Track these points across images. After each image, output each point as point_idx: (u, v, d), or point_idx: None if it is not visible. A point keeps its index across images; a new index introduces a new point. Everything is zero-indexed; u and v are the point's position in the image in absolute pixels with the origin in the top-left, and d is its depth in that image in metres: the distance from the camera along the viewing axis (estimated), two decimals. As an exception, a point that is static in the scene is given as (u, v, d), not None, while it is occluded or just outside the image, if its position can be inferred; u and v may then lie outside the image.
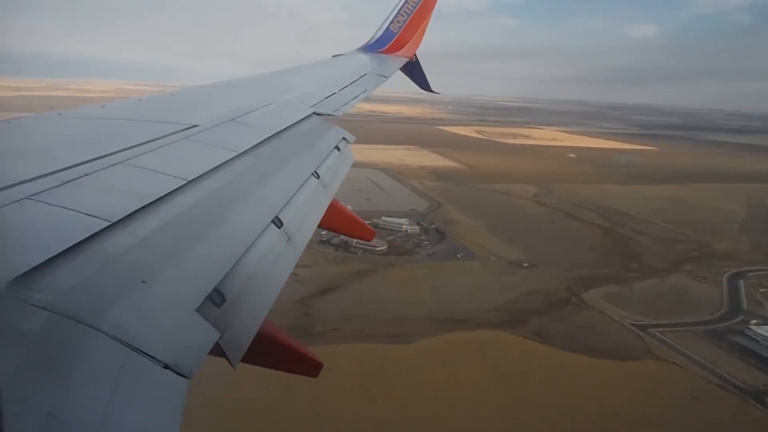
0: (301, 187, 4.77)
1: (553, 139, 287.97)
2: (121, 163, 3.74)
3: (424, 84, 15.81)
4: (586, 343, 65.59)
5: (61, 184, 3.13)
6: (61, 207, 2.84)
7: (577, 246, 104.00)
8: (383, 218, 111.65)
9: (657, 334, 68.62)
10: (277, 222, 3.90)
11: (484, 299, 78.32)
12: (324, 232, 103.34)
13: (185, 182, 3.64)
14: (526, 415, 50.50)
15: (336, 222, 5.97)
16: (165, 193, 3.38)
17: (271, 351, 3.82)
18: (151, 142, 4.32)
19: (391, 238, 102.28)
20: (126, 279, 2.52)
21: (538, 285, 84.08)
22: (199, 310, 2.62)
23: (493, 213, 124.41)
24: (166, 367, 2.20)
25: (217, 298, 2.80)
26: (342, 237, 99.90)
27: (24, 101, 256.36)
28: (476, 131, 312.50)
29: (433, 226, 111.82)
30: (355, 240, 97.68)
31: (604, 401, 52.54)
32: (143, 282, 2.55)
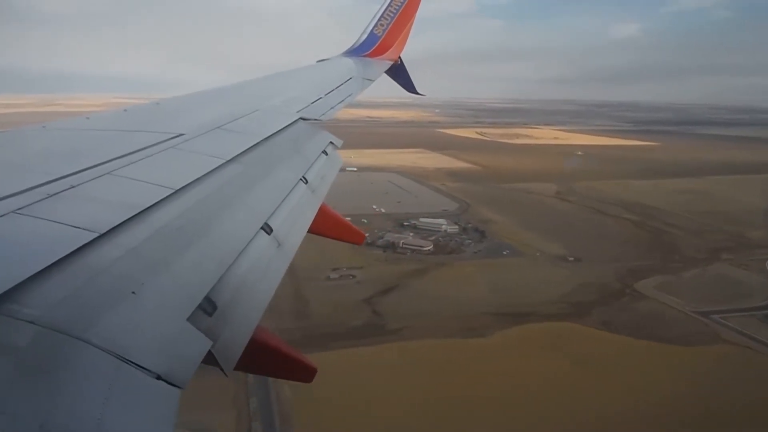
0: (289, 192, 4.77)
1: (555, 138, 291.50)
2: (107, 174, 3.72)
3: (409, 86, 15.93)
4: (654, 331, 67.64)
5: (47, 197, 3.10)
6: (47, 220, 2.82)
7: (614, 239, 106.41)
8: (421, 219, 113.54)
9: (720, 320, 70.87)
10: (267, 228, 3.91)
11: (542, 293, 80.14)
12: (366, 234, 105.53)
13: (173, 191, 3.64)
14: (621, 398, 52.27)
15: (326, 226, 5.94)
16: (152, 203, 3.37)
17: (264, 358, 3.80)
18: (137, 152, 4.29)
19: (434, 238, 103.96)
20: (115, 290, 2.52)
21: (588, 278, 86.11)
22: (190, 319, 2.62)
23: (523, 211, 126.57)
24: (159, 377, 2.19)
25: (208, 306, 2.80)
26: (388, 238, 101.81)
27: (17, 118, 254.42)
28: (477, 133, 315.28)
29: (470, 225, 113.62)
30: (402, 241, 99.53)
31: (694, 384, 54.52)
32: (133, 293, 2.54)
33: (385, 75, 14.33)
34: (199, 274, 3.01)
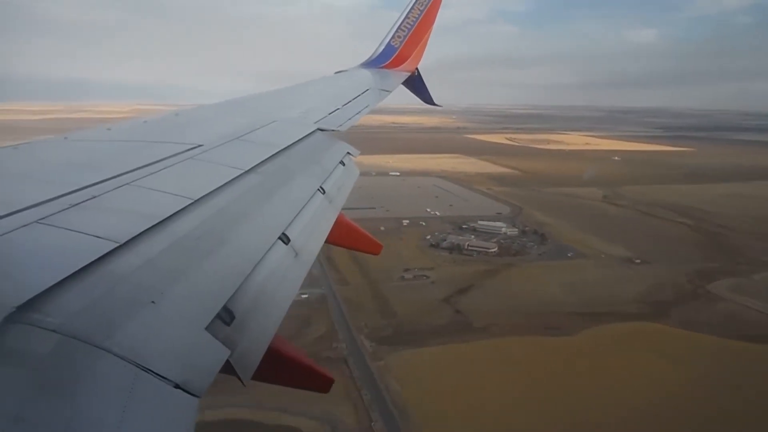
0: (307, 203, 4.80)
1: (587, 144, 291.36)
2: (127, 184, 3.78)
3: (426, 98, 15.88)
4: (740, 331, 68.25)
5: (68, 208, 3.16)
6: (69, 230, 2.87)
7: (674, 242, 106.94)
8: (479, 222, 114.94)
9: (803, 320, 71.34)
10: (284, 238, 3.93)
11: (617, 293, 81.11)
12: (428, 236, 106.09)
13: (191, 201, 3.69)
14: (731, 396, 53.15)
15: (343, 237, 5.98)
16: (172, 213, 3.42)
17: (281, 367, 3.82)
18: (156, 162, 4.37)
19: (495, 240, 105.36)
20: (135, 300, 2.55)
21: (659, 279, 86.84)
22: (208, 328, 2.65)
23: (575, 214, 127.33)
24: (177, 386, 2.22)
25: (226, 316, 2.83)
26: (451, 240, 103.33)
27: (46, 125, 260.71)
28: (507, 138, 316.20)
29: (527, 228, 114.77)
30: (467, 243, 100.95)
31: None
32: (152, 302, 2.59)
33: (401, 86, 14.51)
34: (218, 283, 3.05)
